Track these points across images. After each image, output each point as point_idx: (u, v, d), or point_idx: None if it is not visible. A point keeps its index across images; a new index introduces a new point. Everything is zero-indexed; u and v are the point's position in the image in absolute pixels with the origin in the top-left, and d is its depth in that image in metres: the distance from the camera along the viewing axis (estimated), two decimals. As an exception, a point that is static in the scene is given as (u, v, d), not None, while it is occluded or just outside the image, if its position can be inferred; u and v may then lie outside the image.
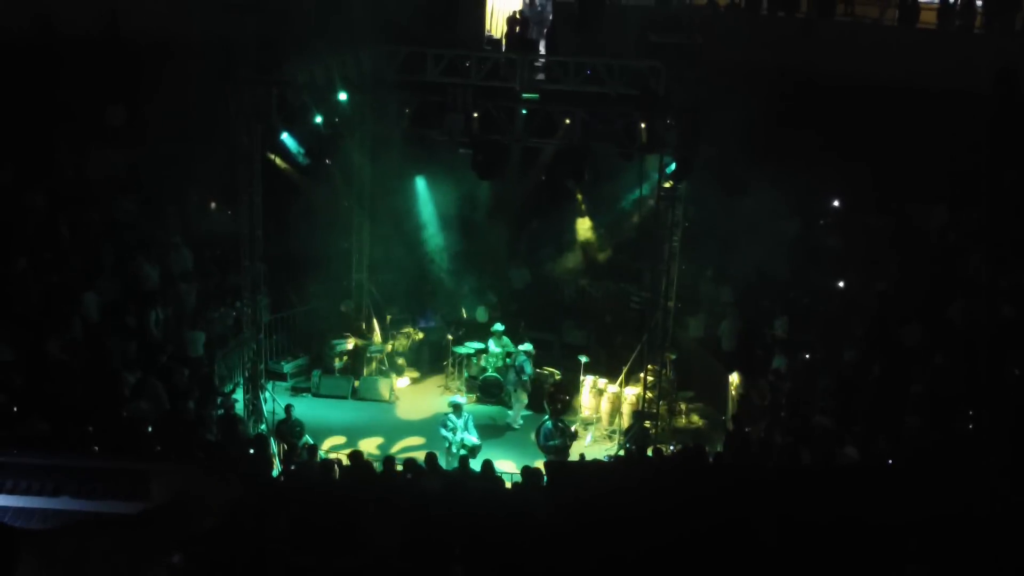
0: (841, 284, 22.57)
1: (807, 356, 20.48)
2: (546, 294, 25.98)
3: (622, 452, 20.01)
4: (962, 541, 9.74)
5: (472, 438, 19.44)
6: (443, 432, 19.43)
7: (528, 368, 22.04)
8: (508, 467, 18.62)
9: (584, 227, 25.47)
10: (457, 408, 19.66)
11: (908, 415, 17.27)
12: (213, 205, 25.09)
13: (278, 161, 21.78)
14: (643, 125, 18.75)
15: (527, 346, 22.49)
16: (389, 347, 23.79)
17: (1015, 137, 22.48)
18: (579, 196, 25.01)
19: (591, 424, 21.65)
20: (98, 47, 24.50)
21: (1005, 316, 19.51)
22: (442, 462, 18.63)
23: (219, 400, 19.63)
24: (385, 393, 22.75)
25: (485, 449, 19.34)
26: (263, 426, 19.89)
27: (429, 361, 24.56)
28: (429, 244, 25.41)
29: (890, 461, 16.42)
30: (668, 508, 10.28)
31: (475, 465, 16.72)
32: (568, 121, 19.03)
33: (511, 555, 11.06)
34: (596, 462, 19.31)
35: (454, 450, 19.15)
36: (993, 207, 22.55)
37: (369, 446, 20.09)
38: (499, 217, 25.90)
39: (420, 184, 24.90)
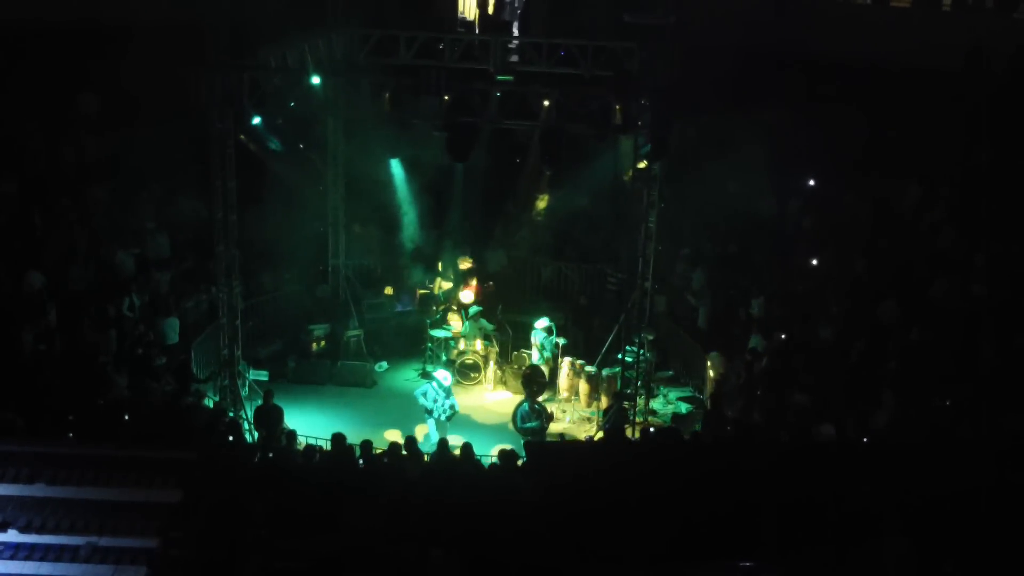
0: (815, 262, 22.63)
1: (782, 336, 20.55)
2: (522, 276, 25.99)
3: (601, 433, 20.06)
4: (940, 514, 9.82)
5: (451, 402, 19.77)
6: (423, 402, 19.66)
7: (548, 346, 22.06)
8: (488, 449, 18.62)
9: (542, 204, 25.57)
10: (437, 379, 19.87)
11: (884, 391, 17.35)
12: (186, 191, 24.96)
13: (251, 146, 21.66)
14: (617, 106, 18.77)
15: (545, 321, 22.44)
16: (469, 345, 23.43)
17: (987, 115, 22.61)
18: (546, 174, 25.06)
19: (569, 406, 21.66)
20: (68, 33, 24.30)
21: (977, 293, 19.65)
22: (431, 431, 19.39)
23: (194, 387, 19.59)
24: (364, 379, 22.70)
25: (463, 433, 19.34)
26: (243, 412, 19.84)
27: (406, 345, 24.52)
28: (404, 227, 25.36)
29: (864, 439, 16.52)
30: (649, 487, 10.31)
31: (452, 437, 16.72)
32: (545, 103, 19.02)
33: (493, 539, 11.08)
34: (576, 442, 19.42)
35: (435, 415, 19.51)
36: (966, 185, 22.69)
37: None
38: (474, 199, 25.90)
39: (395, 167, 24.83)
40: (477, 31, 21.15)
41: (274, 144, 21.43)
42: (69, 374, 17.71)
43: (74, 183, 23.62)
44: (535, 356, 22.23)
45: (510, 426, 20.35)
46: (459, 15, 22.16)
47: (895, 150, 23.24)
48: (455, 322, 23.61)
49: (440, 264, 24.98)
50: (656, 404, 21.54)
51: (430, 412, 19.66)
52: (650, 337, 21.20)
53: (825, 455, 12.86)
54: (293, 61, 19.66)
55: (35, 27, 24.10)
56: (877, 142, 23.37)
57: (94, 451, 10.32)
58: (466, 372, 22.79)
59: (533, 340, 22.37)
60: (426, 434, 19.54)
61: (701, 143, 22.66)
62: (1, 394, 16.12)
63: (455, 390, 20.74)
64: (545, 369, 21.73)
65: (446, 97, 18.52)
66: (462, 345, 23.05)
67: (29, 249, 20.86)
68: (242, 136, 19.83)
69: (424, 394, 19.77)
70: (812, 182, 25.27)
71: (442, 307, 24.05)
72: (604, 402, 21.16)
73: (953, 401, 16.96)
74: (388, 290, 24.80)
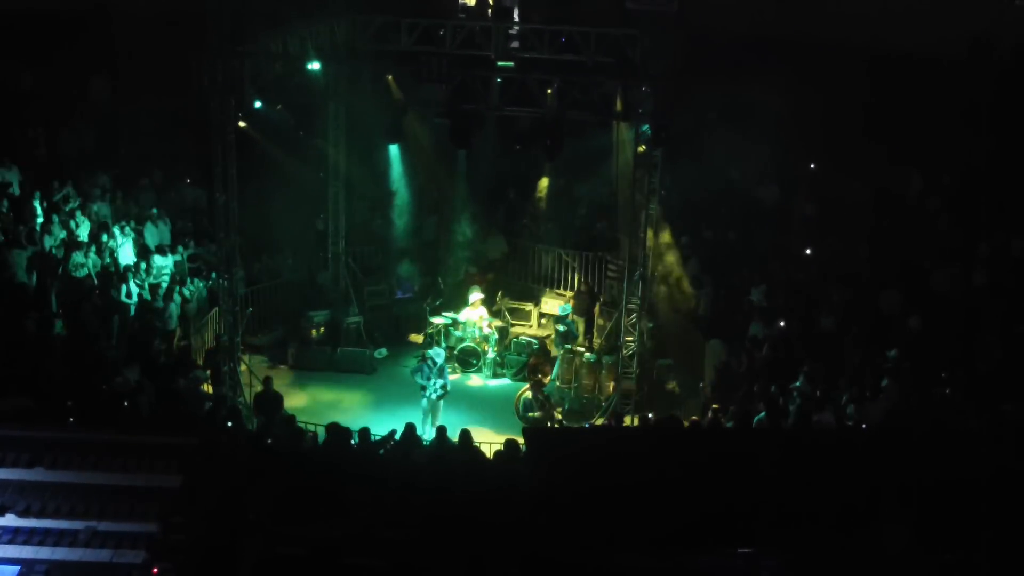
0: (809, 252, 22.58)
1: (782, 324, 20.51)
2: (523, 263, 25.98)
3: (601, 421, 20.06)
4: (941, 503, 9.80)
5: (443, 380, 19.98)
6: (418, 379, 19.93)
7: (574, 330, 22.01)
8: (487, 437, 18.63)
9: (543, 186, 25.64)
10: (431, 358, 20.09)
11: (885, 379, 17.34)
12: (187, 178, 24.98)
13: (252, 134, 21.64)
14: (618, 93, 18.74)
15: (566, 308, 22.37)
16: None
17: (990, 104, 22.56)
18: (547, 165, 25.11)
19: (569, 393, 21.66)
20: (69, 19, 24.27)
21: (978, 282, 19.65)
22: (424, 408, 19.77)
23: (194, 373, 19.61)
24: (364, 365, 22.69)
25: (463, 421, 19.36)
26: (240, 399, 19.86)
27: (406, 332, 24.52)
28: (404, 214, 25.35)
29: (864, 427, 16.52)
30: (648, 474, 10.30)
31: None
32: (549, 92, 18.98)
33: (492, 525, 11.08)
34: (575, 428, 19.42)
35: (427, 392, 19.82)
36: (968, 174, 22.65)
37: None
38: (475, 187, 25.91)
39: (394, 154, 24.81)
40: (477, 17, 21.06)
41: (275, 130, 21.39)
42: (70, 360, 17.71)
43: (75, 170, 23.59)
44: (556, 342, 22.19)
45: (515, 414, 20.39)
46: (460, 1, 22.08)
47: (898, 138, 23.18)
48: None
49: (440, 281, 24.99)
50: (655, 391, 21.50)
51: (424, 390, 19.88)
52: (650, 325, 21.18)
53: (825, 443, 12.83)
54: (294, 47, 19.63)
55: (35, 13, 24.06)
56: (880, 130, 23.30)
57: (94, 436, 10.31)
58: (465, 359, 22.78)
59: (555, 326, 22.32)
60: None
61: (702, 130, 22.58)
62: (4, 380, 16.14)
63: (455, 377, 20.85)
64: (576, 352, 21.75)
65: (449, 84, 18.52)
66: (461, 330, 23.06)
67: (30, 235, 20.85)
68: (242, 123, 19.80)
69: (419, 372, 19.96)
70: (814, 168, 25.24)
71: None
72: (603, 389, 21.17)
73: (953, 389, 16.95)
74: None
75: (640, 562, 9.55)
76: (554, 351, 22.34)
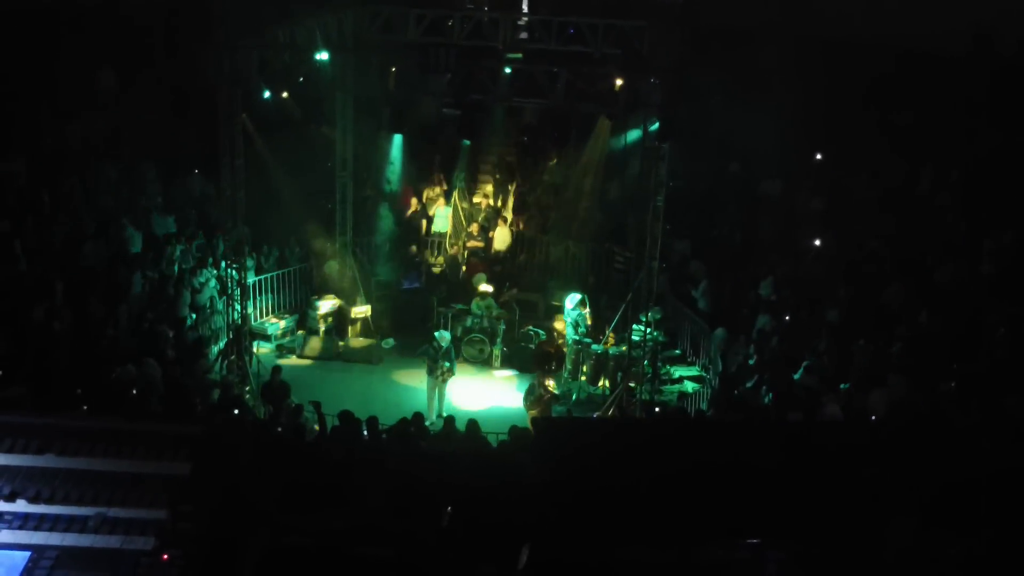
0: (817, 243, 22.58)
1: (787, 317, 20.51)
2: (530, 255, 25.99)
3: (609, 412, 20.09)
4: (947, 497, 9.82)
5: (447, 363, 20.38)
6: (424, 360, 20.45)
7: (583, 322, 22.06)
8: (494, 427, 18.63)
9: (552, 167, 25.68)
10: (437, 339, 20.47)
11: (890, 374, 17.35)
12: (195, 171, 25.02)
13: (250, 129, 21.62)
14: (624, 84, 18.75)
15: (575, 296, 22.42)
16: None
17: (994, 98, 22.56)
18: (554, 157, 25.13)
19: (576, 384, 21.68)
20: (77, 12, 24.34)
21: (985, 274, 19.65)
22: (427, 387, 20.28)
23: (202, 362, 19.67)
24: (370, 355, 22.74)
25: (470, 411, 19.41)
26: (251, 387, 19.92)
27: (413, 322, 24.53)
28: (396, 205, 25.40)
29: (872, 418, 16.54)
30: (654, 466, 10.32)
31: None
32: (557, 85, 19.00)
33: (501, 520, 11.11)
34: (582, 419, 19.42)
35: (434, 373, 20.29)
36: (973, 167, 22.65)
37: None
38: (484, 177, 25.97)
39: (397, 144, 24.82)
40: (486, 8, 21.09)
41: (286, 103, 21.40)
42: (78, 350, 17.78)
43: (81, 161, 23.66)
44: (568, 333, 22.20)
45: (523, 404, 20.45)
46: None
47: (903, 132, 23.19)
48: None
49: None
50: (662, 383, 21.53)
51: (431, 372, 20.23)
52: (657, 317, 21.18)
53: (832, 435, 12.86)
54: (302, 38, 19.66)
55: (43, 6, 24.13)
56: (885, 124, 23.31)
57: (104, 423, 10.36)
58: (473, 351, 22.78)
59: (565, 318, 22.35)
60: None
61: (707, 122, 22.57)
62: (10, 369, 16.21)
63: (463, 367, 21.07)
64: (584, 343, 21.74)
65: (457, 75, 18.56)
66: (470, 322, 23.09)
67: (38, 227, 20.93)
68: (245, 115, 19.81)
69: (425, 353, 20.35)
70: (820, 161, 25.24)
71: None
72: (610, 381, 21.19)
73: (958, 383, 16.96)
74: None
75: (646, 555, 9.58)
76: (562, 342, 22.33)
